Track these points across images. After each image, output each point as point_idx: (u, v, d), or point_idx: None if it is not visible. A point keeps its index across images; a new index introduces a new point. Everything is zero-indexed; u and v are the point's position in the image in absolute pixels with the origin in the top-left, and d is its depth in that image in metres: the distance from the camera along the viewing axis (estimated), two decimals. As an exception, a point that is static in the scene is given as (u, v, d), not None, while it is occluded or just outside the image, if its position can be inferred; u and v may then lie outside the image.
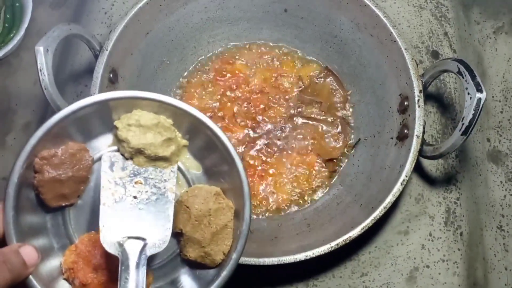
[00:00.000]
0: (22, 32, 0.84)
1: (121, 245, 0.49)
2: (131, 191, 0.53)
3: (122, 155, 0.54)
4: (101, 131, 0.55)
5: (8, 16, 0.86)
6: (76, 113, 0.51)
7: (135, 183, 0.53)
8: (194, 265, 0.56)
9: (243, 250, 0.54)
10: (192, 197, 0.55)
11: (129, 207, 0.52)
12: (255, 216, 0.76)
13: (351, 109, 0.82)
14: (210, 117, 0.74)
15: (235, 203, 0.56)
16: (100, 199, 0.51)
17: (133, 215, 0.51)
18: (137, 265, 0.48)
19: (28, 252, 0.48)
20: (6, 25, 0.85)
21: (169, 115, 0.56)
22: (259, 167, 0.78)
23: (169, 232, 0.51)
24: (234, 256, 0.53)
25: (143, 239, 0.50)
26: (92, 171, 0.55)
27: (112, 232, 0.50)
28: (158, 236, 0.51)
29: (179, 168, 0.58)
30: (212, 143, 0.56)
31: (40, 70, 0.62)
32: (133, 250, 0.49)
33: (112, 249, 0.49)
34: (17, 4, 0.86)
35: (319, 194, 0.78)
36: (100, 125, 0.55)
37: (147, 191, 0.53)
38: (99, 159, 0.55)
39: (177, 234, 0.56)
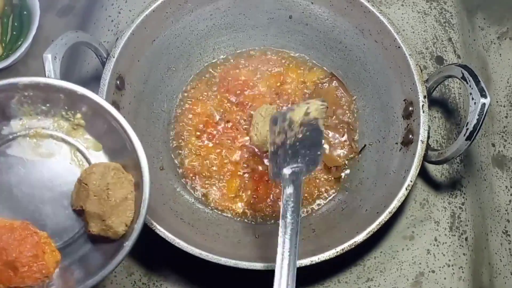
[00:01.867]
0: (29, 39, 0.85)
1: (284, 174, 0.61)
2: (290, 134, 0.61)
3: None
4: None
5: (16, 24, 0.87)
6: None
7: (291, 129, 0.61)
8: (100, 240, 0.59)
9: (144, 220, 0.57)
10: (89, 174, 0.59)
11: (289, 146, 0.61)
12: (261, 221, 0.77)
13: (356, 115, 0.82)
14: (216, 123, 0.76)
15: (136, 177, 0.59)
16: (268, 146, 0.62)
17: (291, 151, 0.61)
18: (295, 187, 0.60)
19: None
20: (14, 33, 0.86)
21: (68, 99, 0.60)
22: (265, 173, 0.78)
23: (320, 157, 0.64)
24: (135, 226, 0.57)
25: (299, 166, 0.61)
26: None
27: (276, 167, 0.61)
28: (312, 162, 0.63)
29: (78, 150, 0.63)
30: (110, 124, 0.60)
31: (48, 77, 0.63)
32: (291, 176, 0.61)
33: (277, 178, 0.61)
34: (25, 12, 0.87)
35: (324, 199, 0.78)
36: None
37: (302, 131, 0.61)
38: None
39: (80, 212, 0.59)
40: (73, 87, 0.59)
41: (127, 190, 0.59)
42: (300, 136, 0.62)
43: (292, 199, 0.60)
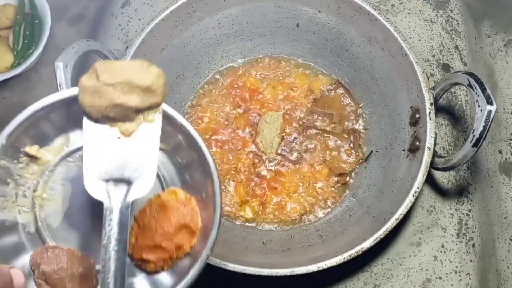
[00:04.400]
0: (41, 48, 0.86)
1: (106, 189, 0.46)
2: (115, 131, 0.47)
3: None
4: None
5: (27, 32, 0.88)
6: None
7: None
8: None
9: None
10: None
11: (112, 149, 0.47)
12: (268, 227, 0.77)
13: (363, 122, 0.83)
14: (224, 130, 0.76)
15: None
16: (82, 141, 0.47)
17: (117, 157, 0.47)
18: (121, 209, 0.45)
19: (17, 274, 0.49)
20: (26, 41, 0.88)
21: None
22: (272, 179, 0.79)
23: (153, 175, 0.47)
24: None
25: (128, 182, 0.46)
26: None
27: (96, 175, 0.46)
28: (143, 179, 0.47)
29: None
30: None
31: (60, 85, 0.64)
32: (117, 194, 0.46)
33: (95, 194, 0.46)
34: (36, 21, 0.88)
35: (331, 206, 0.79)
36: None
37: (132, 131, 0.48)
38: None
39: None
40: None
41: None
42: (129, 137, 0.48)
43: (117, 229, 0.45)
